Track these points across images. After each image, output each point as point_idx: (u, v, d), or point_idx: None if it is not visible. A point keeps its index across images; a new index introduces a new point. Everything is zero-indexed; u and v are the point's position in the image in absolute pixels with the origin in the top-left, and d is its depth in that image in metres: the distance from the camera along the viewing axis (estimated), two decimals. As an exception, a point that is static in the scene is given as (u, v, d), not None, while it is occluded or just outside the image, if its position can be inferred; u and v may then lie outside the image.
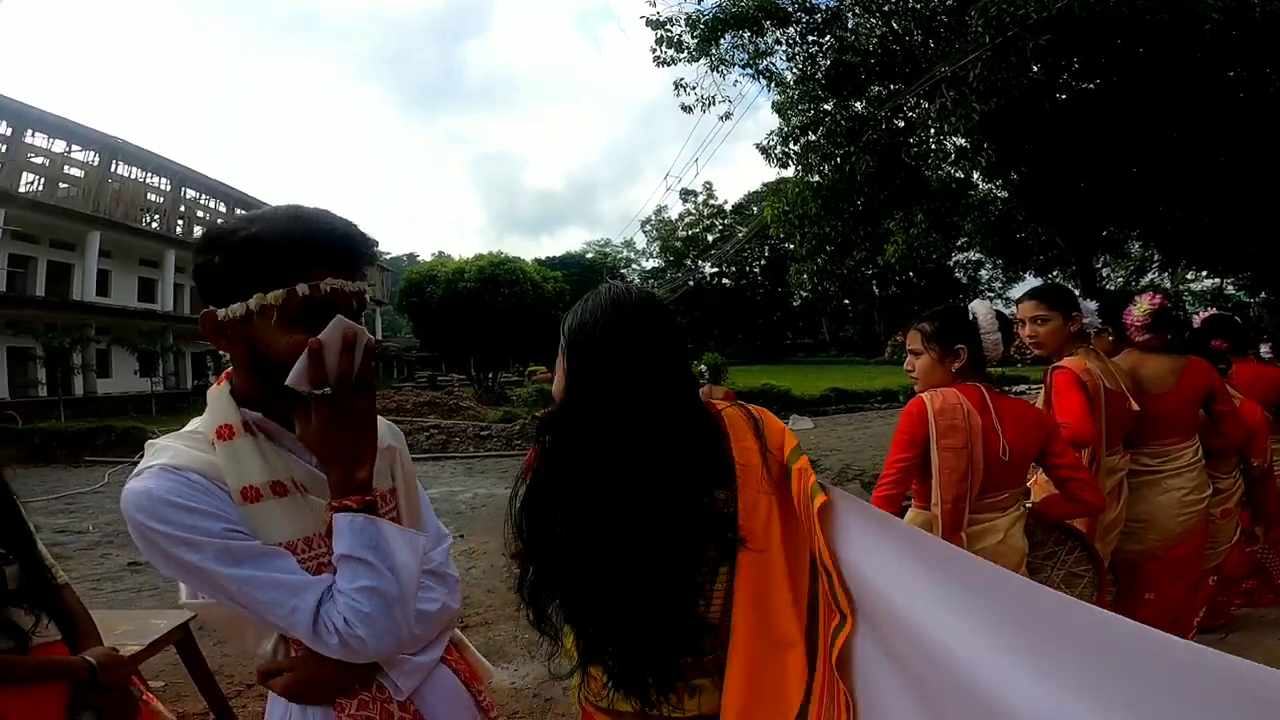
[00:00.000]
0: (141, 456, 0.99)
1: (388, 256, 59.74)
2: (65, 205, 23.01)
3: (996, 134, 7.95)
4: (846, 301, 48.75)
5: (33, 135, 23.05)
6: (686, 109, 10.14)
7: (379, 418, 1.06)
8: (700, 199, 53.14)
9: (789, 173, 10.33)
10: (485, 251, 29.10)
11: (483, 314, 25.11)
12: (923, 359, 2.06)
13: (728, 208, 54.37)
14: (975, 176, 10.48)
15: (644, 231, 56.86)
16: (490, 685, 1.25)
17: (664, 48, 9.57)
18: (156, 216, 28.23)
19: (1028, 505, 2.08)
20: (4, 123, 21.85)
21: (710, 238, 53.30)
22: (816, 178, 9.63)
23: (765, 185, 49.72)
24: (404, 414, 16.04)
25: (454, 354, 28.58)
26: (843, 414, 15.47)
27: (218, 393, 1.01)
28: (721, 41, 9.36)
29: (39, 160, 23.71)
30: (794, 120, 9.65)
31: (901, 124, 9.52)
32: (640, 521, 1.03)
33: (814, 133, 9.49)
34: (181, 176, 29.62)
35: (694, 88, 10.08)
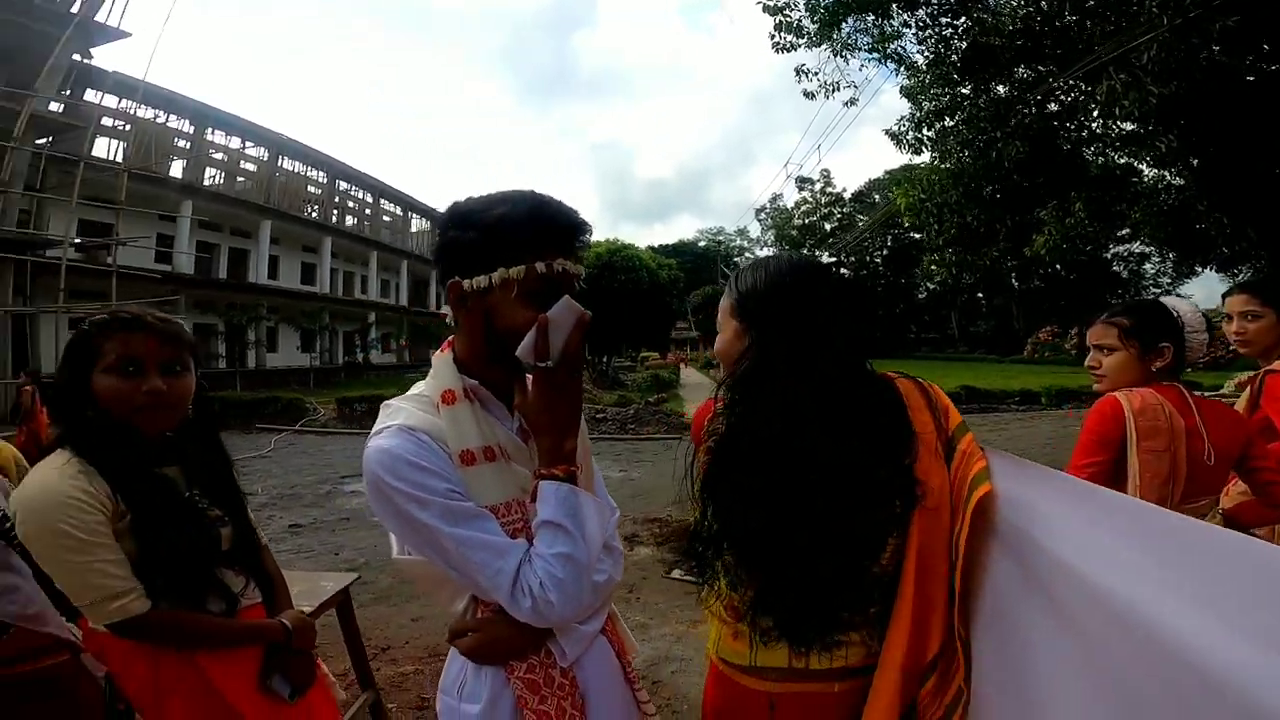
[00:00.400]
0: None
1: (512, 243, 62.27)
2: (242, 197, 26.04)
3: (1175, 118, 7.03)
4: (980, 295, 45.25)
5: (213, 133, 26.12)
6: (809, 95, 9.86)
7: None
8: (818, 186, 51.10)
9: (923, 159, 9.75)
10: (600, 238, 29.72)
11: (599, 299, 25.67)
12: (1117, 356, 1.89)
13: (847, 195, 52.08)
14: (1144, 163, 9.33)
15: (758, 220, 55.81)
16: (633, 659, 1.29)
17: (782, 33, 9.30)
18: (315, 207, 31.27)
19: (1220, 512, 1.95)
20: (189, 121, 24.92)
21: (828, 226, 51.32)
22: (954, 164, 9.00)
23: (889, 173, 47.14)
24: (525, 396, 16.81)
25: (570, 339, 29.37)
26: (974, 414, 14.30)
27: (443, 359, 1.08)
28: (843, 26, 8.99)
29: (219, 156, 26.90)
30: (926, 105, 9.17)
31: (1055, 107, 8.66)
32: (827, 480, 1.06)
33: (951, 118, 8.88)
34: (335, 169, 32.58)
35: (816, 73, 9.77)
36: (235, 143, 27.46)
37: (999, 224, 9.89)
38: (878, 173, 46.79)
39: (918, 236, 44.18)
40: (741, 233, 59.45)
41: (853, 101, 10.53)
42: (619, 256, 26.85)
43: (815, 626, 1.09)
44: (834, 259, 47.01)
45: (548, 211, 1.02)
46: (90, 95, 19.82)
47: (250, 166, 28.21)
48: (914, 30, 9.01)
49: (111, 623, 1.25)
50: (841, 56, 9.37)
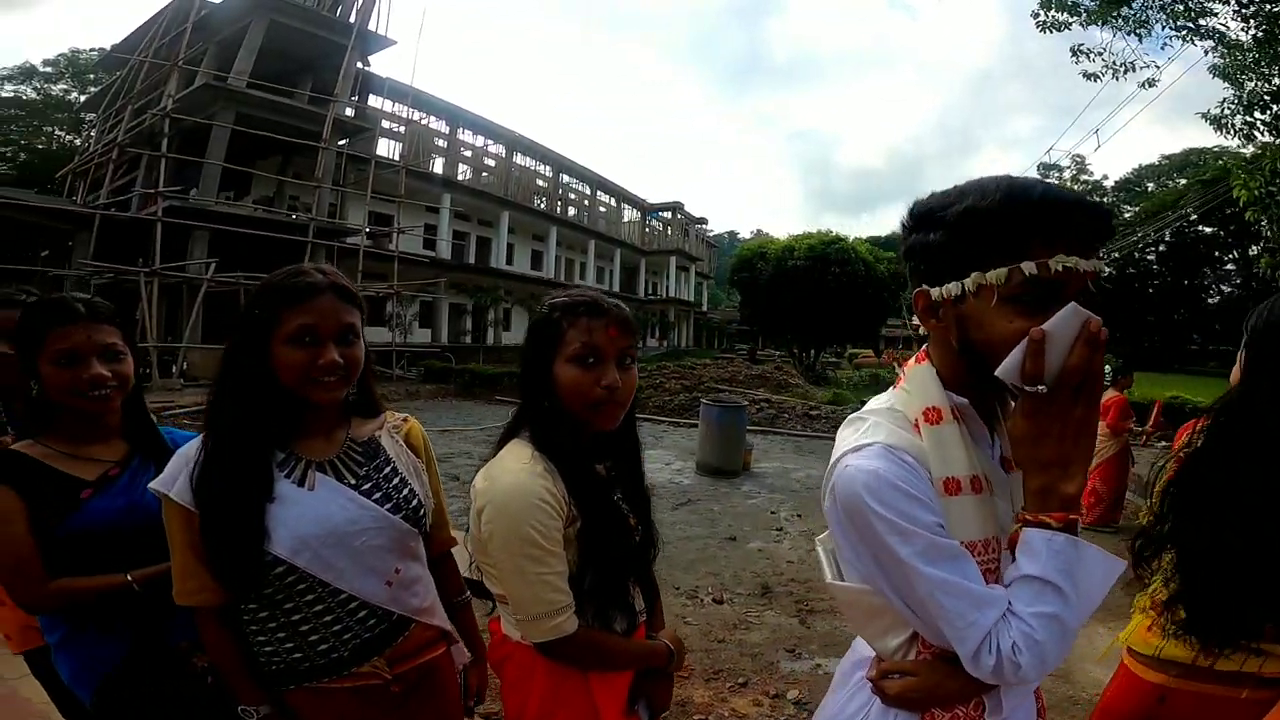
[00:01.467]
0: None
1: (712, 234, 62.95)
2: (487, 190, 29.18)
3: None
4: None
5: (462, 132, 29.46)
6: (1091, 76, 8.97)
7: None
8: (1067, 174, 44.32)
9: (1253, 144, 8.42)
10: (802, 230, 28.80)
11: (810, 292, 24.88)
12: None
13: (1108, 184, 44.68)
14: None
15: (988, 210, 49.86)
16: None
17: (1050, 11, 8.62)
18: (543, 198, 34.11)
19: None
20: (444, 122, 28.30)
21: (1082, 220, 44.45)
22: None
23: (1166, 158, 39.67)
24: (736, 385, 16.79)
25: (775, 330, 28.96)
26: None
27: (922, 371, 0.95)
28: (1133, 1, 8.05)
29: (468, 153, 30.40)
30: (1250, 85, 7.99)
31: None
32: None
33: None
34: (559, 164, 35.19)
35: (1100, 53, 8.78)
36: (479, 141, 30.84)
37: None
38: (1152, 158, 39.50)
39: (1208, 231, 36.92)
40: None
41: (1151, 83, 9.24)
42: (833, 249, 25.84)
43: (1231, 630, 1.07)
44: (1089, 254, 40.71)
45: (1030, 197, 0.80)
46: (373, 100, 23.42)
47: (491, 162, 31.52)
48: (1232, 6, 7.92)
49: (541, 641, 1.14)
50: (1134, 34, 8.43)
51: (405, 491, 1.27)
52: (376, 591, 1.20)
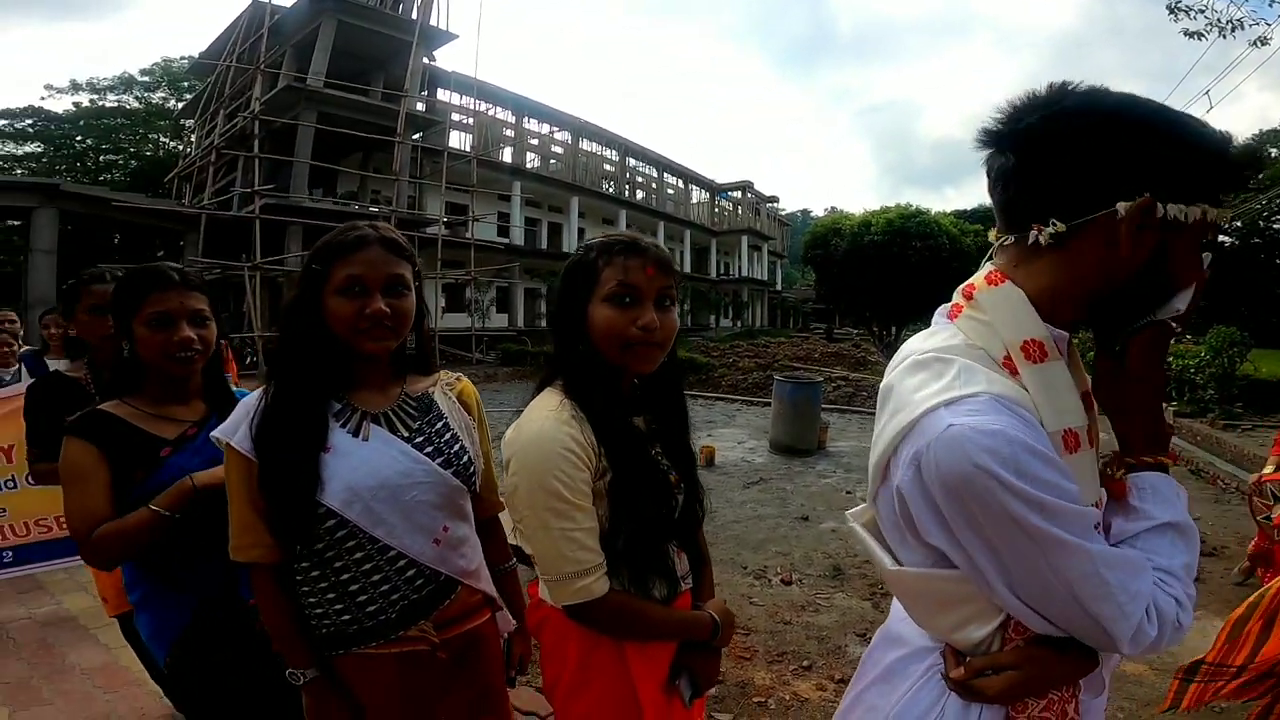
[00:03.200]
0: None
1: (784, 212, 61.34)
2: (555, 176, 29.52)
3: None
4: None
5: (528, 121, 29.80)
6: (1193, 35, 8.08)
7: None
8: None
9: None
10: (879, 205, 27.52)
11: (889, 268, 23.86)
12: None
13: (1222, 150, 40.20)
14: None
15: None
16: None
17: None
18: (611, 183, 34.19)
19: None
20: (510, 112, 28.68)
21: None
22: None
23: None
24: (811, 362, 16.38)
25: (853, 307, 27.99)
26: None
27: (1009, 295, 0.79)
28: None
29: (534, 141, 30.76)
30: None
31: None
32: None
33: None
34: (625, 148, 35.12)
35: (1202, 10, 7.96)
36: (545, 129, 31.14)
37: None
38: (1267, 124, 35.26)
39: None
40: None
41: (1263, 40, 8.27)
42: (914, 223, 24.67)
43: None
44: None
45: (1241, 151, 0.76)
46: (441, 94, 24.02)
47: (558, 149, 31.80)
48: None
49: (569, 605, 1.08)
50: None
51: (456, 447, 1.26)
52: (424, 550, 1.18)
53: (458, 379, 1.39)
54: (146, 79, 33.75)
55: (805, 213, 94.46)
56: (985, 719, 0.81)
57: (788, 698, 2.63)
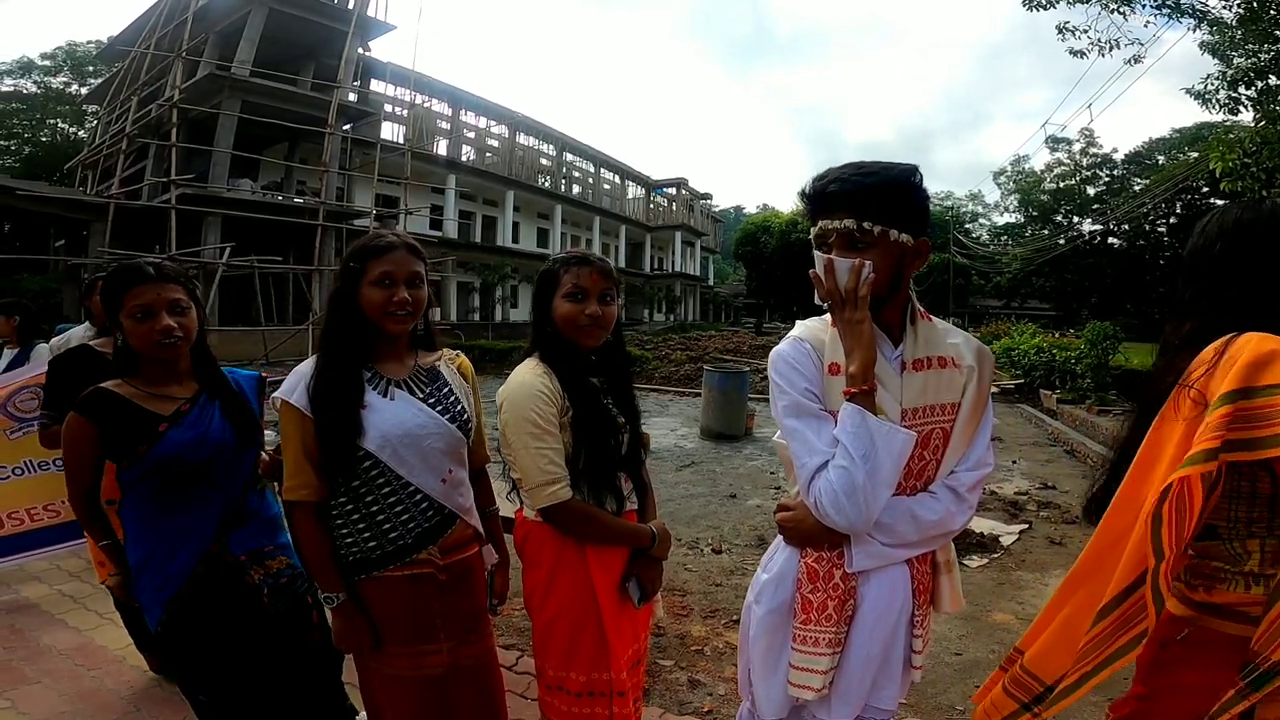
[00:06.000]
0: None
1: (716, 209, 62.59)
2: (491, 170, 29.25)
3: None
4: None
5: (465, 114, 29.47)
6: (1077, 54, 9.01)
7: (968, 337, 1.32)
8: (1076, 147, 43.39)
9: (1244, 118, 8.48)
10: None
11: (801, 266, 24.92)
12: None
13: (1118, 156, 44.00)
14: None
15: (996, 183, 49.40)
16: (937, 612, 1.38)
17: None
18: (547, 178, 34.12)
19: None
20: (446, 104, 28.31)
21: (1091, 190, 43.97)
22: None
23: (1178, 131, 39.00)
24: (741, 354, 17.04)
25: (781, 303, 29.05)
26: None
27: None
28: None
29: (471, 134, 30.40)
30: (1239, 61, 7.99)
31: None
32: None
33: (1278, 75, 7.56)
34: (563, 143, 35.11)
35: (1085, 31, 8.83)
36: (483, 122, 30.84)
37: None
38: (1161, 131, 38.75)
39: (1218, 204, 35.68)
40: (974, 197, 53.73)
41: (1137, 59, 9.37)
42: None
43: None
44: (1098, 227, 40.10)
45: (812, 182, 1.26)
46: (375, 85, 23.46)
47: (495, 143, 31.53)
48: None
49: (543, 507, 1.46)
50: (1119, 13, 8.44)
51: (458, 408, 1.60)
52: (435, 486, 1.52)
53: (457, 354, 1.73)
54: (47, 63, 31.47)
55: (738, 209, 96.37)
56: (786, 554, 1.29)
57: (720, 646, 3.04)
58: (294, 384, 1.46)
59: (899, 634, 1.27)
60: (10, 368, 3.58)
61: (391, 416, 1.48)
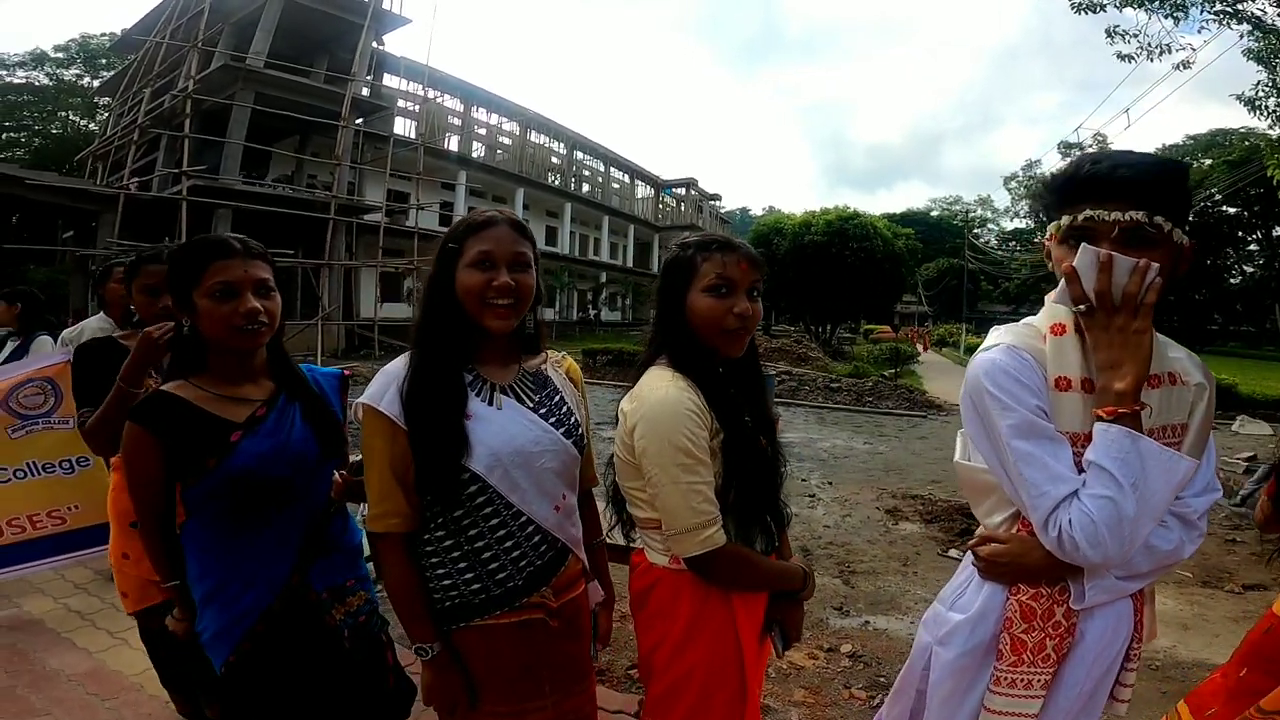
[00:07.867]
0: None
1: (724, 210, 62.34)
2: (501, 167, 29.14)
3: None
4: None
5: (477, 110, 29.37)
6: (1125, 58, 8.86)
7: (1189, 353, 1.14)
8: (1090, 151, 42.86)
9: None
10: (817, 206, 28.53)
11: (828, 267, 24.71)
12: None
13: (1131, 164, 43.35)
14: None
15: (1007, 188, 49.01)
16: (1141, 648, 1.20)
17: None
18: (557, 176, 33.99)
19: None
20: (459, 100, 28.17)
21: (1104, 198, 43.40)
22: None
23: (1191, 137, 38.68)
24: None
25: (791, 305, 28.81)
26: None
27: (1055, 297, 1.09)
28: None
29: (482, 131, 30.31)
30: None
31: None
32: None
33: None
34: (573, 141, 34.99)
35: (1134, 35, 8.66)
36: (494, 119, 30.73)
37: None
38: (1176, 137, 38.34)
39: (1232, 211, 35.96)
40: (984, 201, 53.17)
41: (1186, 64, 9.18)
42: (852, 225, 25.58)
43: None
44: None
45: (1079, 164, 1.04)
46: (388, 79, 23.31)
47: (506, 140, 31.44)
48: None
49: (691, 555, 1.19)
50: (1171, 17, 8.31)
51: (573, 420, 1.32)
52: (548, 515, 1.24)
53: (564, 356, 1.44)
54: (60, 55, 31.45)
55: (744, 210, 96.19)
56: (987, 591, 1.11)
57: (785, 666, 2.81)
58: (383, 387, 1.18)
59: (1114, 669, 1.15)
60: (10, 360, 3.35)
61: (501, 430, 1.20)
